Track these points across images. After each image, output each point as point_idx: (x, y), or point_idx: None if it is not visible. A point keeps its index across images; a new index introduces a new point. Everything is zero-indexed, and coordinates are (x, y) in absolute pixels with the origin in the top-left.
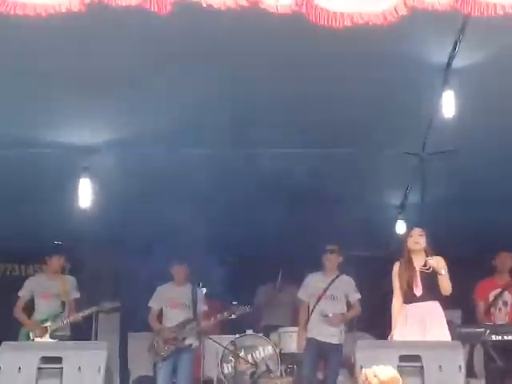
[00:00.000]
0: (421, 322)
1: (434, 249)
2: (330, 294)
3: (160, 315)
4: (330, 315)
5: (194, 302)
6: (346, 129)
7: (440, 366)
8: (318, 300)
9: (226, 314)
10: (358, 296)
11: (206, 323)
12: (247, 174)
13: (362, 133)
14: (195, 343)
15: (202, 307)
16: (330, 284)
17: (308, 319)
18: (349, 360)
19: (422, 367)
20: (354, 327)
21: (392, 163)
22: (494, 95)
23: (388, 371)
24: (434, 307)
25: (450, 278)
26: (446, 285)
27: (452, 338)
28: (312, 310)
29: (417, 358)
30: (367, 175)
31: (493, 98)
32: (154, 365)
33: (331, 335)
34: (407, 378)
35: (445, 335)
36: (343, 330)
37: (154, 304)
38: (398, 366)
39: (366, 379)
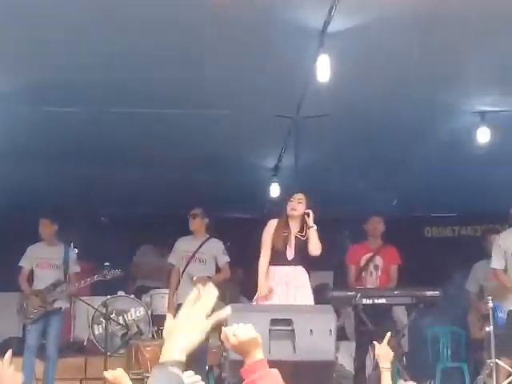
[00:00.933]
0: (286, 285)
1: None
2: (198, 258)
3: (31, 275)
4: (195, 278)
5: (66, 263)
6: (219, 90)
7: (311, 330)
8: (187, 263)
9: (96, 276)
10: (227, 259)
11: (76, 285)
12: (116, 133)
13: (235, 94)
14: (65, 305)
15: (74, 268)
16: (198, 247)
17: (179, 283)
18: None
19: (293, 330)
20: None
21: (266, 126)
22: (368, 60)
23: (248, 331)
24: (300, 271)
25: (323, 240)
26: (315, 241)
27: (325, 301)
28: (182, 274)
29: (288, 322)
30: (241, 137)
31: (367, 63)
32: (24, 326)
33: None
34: (278, 341)
35: (310, 299)
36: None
37: (24, 264)
38: (269, 330)
39: (226, 338)
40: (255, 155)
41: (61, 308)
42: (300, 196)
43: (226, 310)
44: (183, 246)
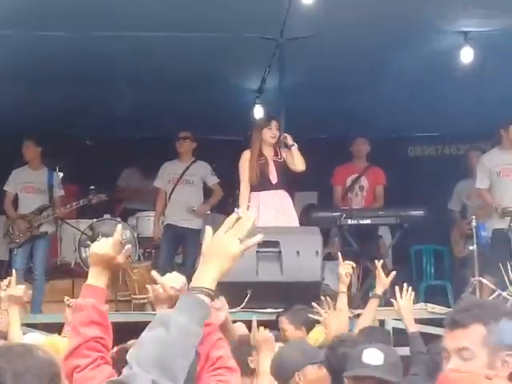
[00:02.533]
0: (273, 210)
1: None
2: (185, 179)
3: (15, 200)
4: (195, 208)
5: (50, 187)
6: (203, 12)
7: (298, 251)
8: (174, 186)
9: (82, 201)
10: (216, 179)
11: (61, 210)
12: (97, 57)
13: (219, 16)
14: (51, 229)
15: (58, 192)
16: (185, 170)
17: (165, 206)
18: None
19: (279, 252)
20: (213, 210)
21: (250, 48)
22: None
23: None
24: (284, 195)
25: (308, 162)
26: (298, 158)
27: (309, 222)
28: (169, 197)
29: (275, 244)
30: (224, 59)
31: None
32: (10, 250)
33: (188, 220)
34: (266, 263)
35: (295, 222)
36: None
37: (8, 188)
38: (256, 252)
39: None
40: (239, 77)
41: (47, 232)
42: (276, 123)
43: (258, 237)
44: (170, 169)
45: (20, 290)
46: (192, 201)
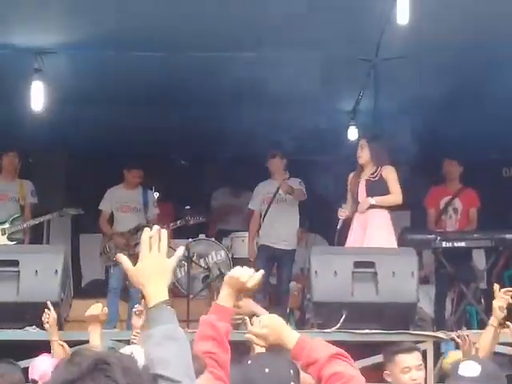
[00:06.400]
0: (362, 230)
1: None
2: (279, 198)
3: (111, 218)
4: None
5: (146, 206)
6: (296, 31)
7: (393, 272)
8: (269, 205)
9: (179, 222)
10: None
11: None
12: (195, 78)
13: (312, 35)
14: None
15: (154, 211)
16: (278, 188)
17: (259, 227)
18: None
19: (375, 273)
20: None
21: (344, 68)
22: (445, 3)
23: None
24: (373, 215)
25: (401, 183)
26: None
27: (404, 244)
28: (264, 216)
29: (371, 264)
30: (319, 79)
31: (444, 5)
32: (106, 268)
33: (283, 241)
34: (361, 283)
35: (385, 241)
36: (295, 235)
37: (104, 206)
38: (352, 272)
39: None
40: (333, 98)
41: None
42: (361, 142)
43: (181, 249)
44: (263, 189)
45: (97, 308)
46: (287, 219)
